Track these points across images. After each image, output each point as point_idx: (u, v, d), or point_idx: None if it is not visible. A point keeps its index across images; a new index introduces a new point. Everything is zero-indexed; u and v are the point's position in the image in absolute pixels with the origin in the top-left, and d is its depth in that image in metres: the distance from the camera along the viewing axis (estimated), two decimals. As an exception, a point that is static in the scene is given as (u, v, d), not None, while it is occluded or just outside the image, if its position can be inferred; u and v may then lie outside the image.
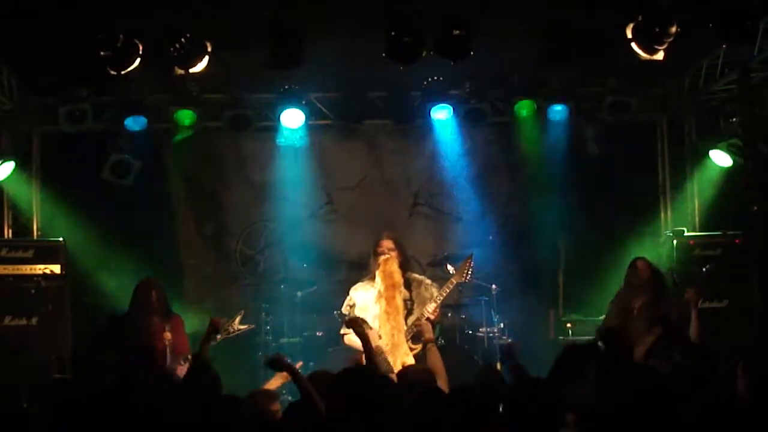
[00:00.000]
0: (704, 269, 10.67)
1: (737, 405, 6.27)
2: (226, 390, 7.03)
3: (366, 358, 8.45)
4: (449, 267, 10.87)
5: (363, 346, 8.61)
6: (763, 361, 8.78)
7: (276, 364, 7.72)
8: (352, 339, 9.77)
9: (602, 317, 10.91)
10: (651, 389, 5.93)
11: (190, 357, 9.71)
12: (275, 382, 8.58)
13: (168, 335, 10.23)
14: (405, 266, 10.43)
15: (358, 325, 9.01)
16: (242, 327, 10.11)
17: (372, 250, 10.61)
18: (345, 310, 10.61)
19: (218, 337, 9.67)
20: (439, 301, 10.18)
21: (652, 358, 9.92)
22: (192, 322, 10.95)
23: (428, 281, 10.61)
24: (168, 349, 10.17)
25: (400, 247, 10.47)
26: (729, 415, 5.98)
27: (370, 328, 9.15)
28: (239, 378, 10.38)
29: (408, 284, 10.35)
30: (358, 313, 10.31)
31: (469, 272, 10.55)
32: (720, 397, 6.34)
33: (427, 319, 9.99)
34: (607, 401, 6.12)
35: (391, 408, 5.93)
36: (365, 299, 10.39)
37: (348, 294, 10.64)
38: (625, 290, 10.70)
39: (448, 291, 10.32)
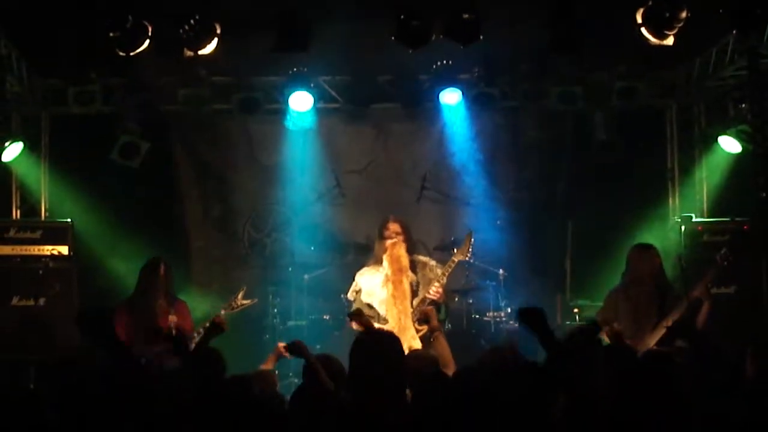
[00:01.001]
0: (719, 255, 10.58)
1: (746, 389, 6.27)
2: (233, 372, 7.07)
3: None
4: (455, 251, 10.86)
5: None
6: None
7: (295, 350, 7.78)
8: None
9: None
10: (657, 376, 5.93)
11: (196, 334, 9.79)
12: (269, 363, 8.66)
13: (173, 317, 10.26)
14: (411, 249, 10.44)
15: (360, 317, 9.10)
16: (245, 302, 10.15)
17: (378, 233, 10.61)
18: (351, 296, 10.62)
19: (223, 313, 9.76)
20: (442, 281, 10.18)
21: (659, 346, 9.93)
22: (199, 306, 10.98)
23: (433, 262, 10.60)
24: (173, 331, 10.20)
25: (406, 231, 10.46)
26: (737, 399, 5.98)
27: (371, 316, 9.27)
28: (246, 360, 10.38)
29: (413, 267, 10.35)
30: (365, 298, 10.33)
31: (470, 250, 10.53)
32: (728, 381, 6.34)
33: (432, 301, 10.02)
34: (609, 386, 6.13)
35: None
36: (371, 284, 10.39)
37: (354, 279, 10.68)
38: (629, 280, 10.64)
39: (450, 270, 10.30)
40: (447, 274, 10.27)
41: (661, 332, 9.94)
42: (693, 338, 8.42)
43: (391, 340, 6.45)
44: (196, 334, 9.89)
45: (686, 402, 5.85)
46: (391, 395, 5.95)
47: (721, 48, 11.79)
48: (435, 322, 9.23)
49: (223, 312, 9.91)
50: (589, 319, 6.80)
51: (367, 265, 10.64)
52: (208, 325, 9.43)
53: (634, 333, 10.10)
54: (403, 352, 6.45)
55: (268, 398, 6.82)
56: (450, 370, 7.91)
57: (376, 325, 9.86)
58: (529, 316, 6.05)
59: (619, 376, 6.16)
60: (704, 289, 10.04)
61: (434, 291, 10.09)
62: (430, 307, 9.74)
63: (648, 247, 10.63)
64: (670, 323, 9.88)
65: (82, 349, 11.15)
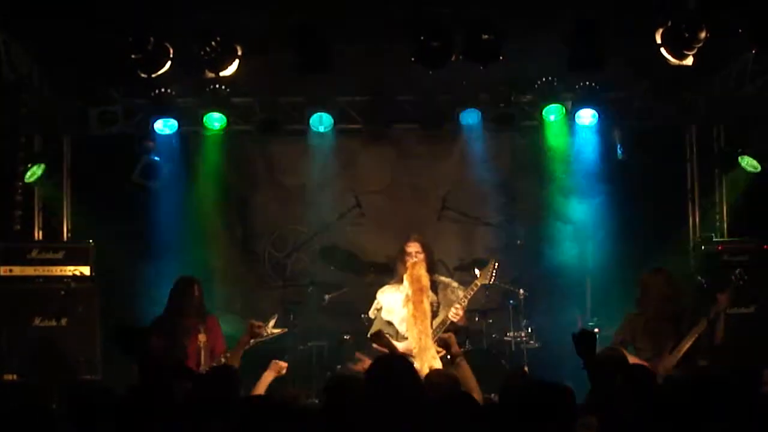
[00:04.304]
0: (734, 274, 10.58)
1: (762, 410, 6.25)
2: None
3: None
4: (476, 271, 10.86)
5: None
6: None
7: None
8: (380, 343, 9.92)
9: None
10: (678, 399, 5.92)
11: (228, 355, 9.76)
12: (268, 377, 8.71)
13: (202, 337, 10.29)
14: (431, 269, 10.46)
15: (380, 339, 9.13)
16: (276, 330, 10.05)
17: (399, 253, 10.63)
18: (372, 313, 10.67)
19: (252, 341, 9.70)
20: (463, 304, 10.22)
21: (679, 367, 9.92)
22: (221, 326, 10.96)
23: (455, 284, 10.64)
24: (202, 351, 10.22)
25: (427, 250, 10.50)
26: (755, 419, 5.96)
27: (390, 334, 9.31)
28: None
29: (434, 287, 10.38)
30: (385, 315, 10.36)
31: (494, 275, 10.57)
32: (746, 402, 6.32)
33: (452, 322, 10.04)
34: (635, 409, 6.13)
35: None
36: (391, 302, 10.42)
37: (375, 297, 10.70)
38: (645, 305, 10.61)
39: (472, 293, 10.37)
40: (468, 297, 10.31)
41: (680, 353, 9.94)
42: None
43: (404, 365, 6.48)
44: (224, 359, 9.82)
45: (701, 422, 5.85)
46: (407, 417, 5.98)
47: (740, 67, 11.77)
48: (456, 348, 9.17)
49: (252, 341, 9.75)
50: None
51: (389, 284, 10.67)
52: (242, 337, 9.44)
53: (654, 355, 10.10)
54: (418, 377, 6.46)
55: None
56: (475, 395, 7.87)
57: (396, 343, 9.90)
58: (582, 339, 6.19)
59: (640, 398, 6.17)
60: (722, 307, 10.07)
61: (454, 313, 10.10)
62: (449, 334, 9.69)
63: (659, 271, 10.64)
64: (689, 344, 9.89)
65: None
